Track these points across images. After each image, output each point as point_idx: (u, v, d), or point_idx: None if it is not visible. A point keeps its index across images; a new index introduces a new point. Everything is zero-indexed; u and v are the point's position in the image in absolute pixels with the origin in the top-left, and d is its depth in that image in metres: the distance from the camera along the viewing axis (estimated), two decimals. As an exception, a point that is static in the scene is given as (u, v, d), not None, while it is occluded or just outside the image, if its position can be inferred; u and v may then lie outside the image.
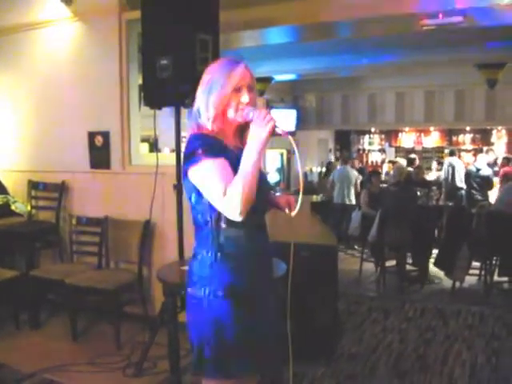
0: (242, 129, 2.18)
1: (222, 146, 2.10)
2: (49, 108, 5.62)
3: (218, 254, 2.13)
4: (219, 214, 2.06)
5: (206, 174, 2.03)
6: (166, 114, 4.49)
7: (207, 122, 2.13)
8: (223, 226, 2.10)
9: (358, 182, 10.03)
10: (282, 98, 12.82)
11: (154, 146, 5.29)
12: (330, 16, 5.38)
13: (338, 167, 10.78)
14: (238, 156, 2.04)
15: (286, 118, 12.03)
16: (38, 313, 5.03)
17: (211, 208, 2.07)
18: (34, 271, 5.06)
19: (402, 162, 11.45)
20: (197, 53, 3.82)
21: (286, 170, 13.00)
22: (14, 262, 5.47)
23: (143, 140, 5.74)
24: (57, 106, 5.55)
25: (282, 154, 12.79)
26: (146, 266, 5.03)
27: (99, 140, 5.31)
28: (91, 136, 5.34)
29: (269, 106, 11.31)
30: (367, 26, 6.12)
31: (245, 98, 2.12)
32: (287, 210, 2.34)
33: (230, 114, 2.13)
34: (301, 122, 12.65)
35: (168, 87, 3.86)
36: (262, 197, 2.13)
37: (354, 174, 10.08)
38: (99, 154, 5.33)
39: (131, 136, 5.21)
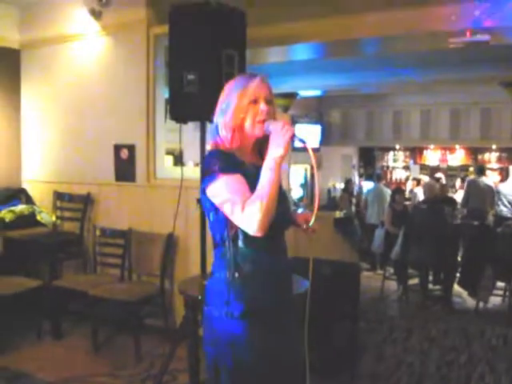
0: (261, 145, 2.15)
1: (239, 162, 2.07)
2: (76, 120, 5.69)
3: (236, 274, 2.08)
4: (237, 233, 2.03)
5: (224, 191, 1.99)
6: (191, 128, 4.51)
7: (225, 138, 2.12)
8: (241, 244, 2.07)
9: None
10: (306, 114, 12.81)
11: (179, 160, 5.33)
12: (356, 33, 5.38)
13: (370, 185, 10.51)
14: (256, 172, 2.01)
15: (310, 134, 12.03)
16: (59, 323, 5.06)
17: (229, 226, 2.04)
18: (57, 281, 5.11)
19: (427, 179, 11.33)
20: (223, 68, 3.85)
21: (309, 186, 12.97)
22: (38, 272, 5.51)
23: (168, 153, 5.79)
24: (83, 119, 5.62)
25: (305, 170, 12.78)
26: (168, 279, 5.03)
27: (125, 153, 5.36)
28: (117, 149, 5.40)
29: (293, 121, 11.30)
30: (393, 43, 6.11)
31: (262, 106, 2.10)
32: (304, 227, 2.28)
33: (248, 126, 2.10)
34: (325, 138, 12.63)
35: (194, 102, 3.89)
36: (281, 214, 2.09)
37: (388, 192, 9.53)
38: (124, 166, 5.38)
39: (156, 149, 5.25)
